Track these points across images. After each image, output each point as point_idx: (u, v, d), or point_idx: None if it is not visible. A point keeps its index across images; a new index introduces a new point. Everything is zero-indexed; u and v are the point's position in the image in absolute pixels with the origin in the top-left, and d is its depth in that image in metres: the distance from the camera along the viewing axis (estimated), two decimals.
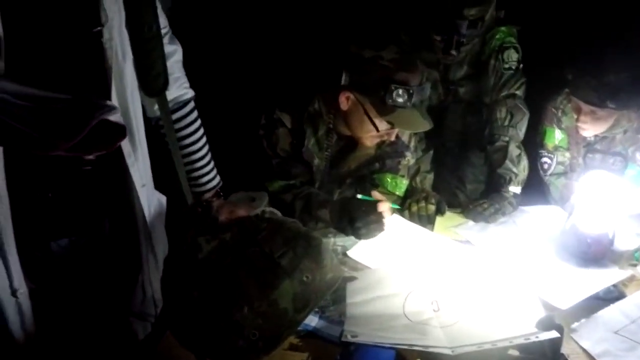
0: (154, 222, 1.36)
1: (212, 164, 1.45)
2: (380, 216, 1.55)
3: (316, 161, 1.72)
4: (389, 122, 1.60)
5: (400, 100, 1.54)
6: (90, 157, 1.18)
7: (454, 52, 1.94)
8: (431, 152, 1.97)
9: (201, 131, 1.41)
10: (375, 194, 1.64)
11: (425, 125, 1.63)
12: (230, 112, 2.30)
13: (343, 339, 1.16)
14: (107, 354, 1.34)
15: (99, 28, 1.12)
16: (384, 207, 1.58)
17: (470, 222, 1.81)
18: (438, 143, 2.12)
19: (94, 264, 1.31)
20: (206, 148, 1.43)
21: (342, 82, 1.61)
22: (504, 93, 2.00)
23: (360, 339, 1.14)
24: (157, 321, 1.43)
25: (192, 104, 1.40)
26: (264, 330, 1.05)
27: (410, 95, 1.54)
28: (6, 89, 0.94)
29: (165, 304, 1.26)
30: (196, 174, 1.42)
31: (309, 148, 1.70)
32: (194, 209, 1.32)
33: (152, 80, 1.26)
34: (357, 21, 2.22)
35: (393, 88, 1.53)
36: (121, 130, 1.09)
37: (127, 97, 1.22)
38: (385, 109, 1.56)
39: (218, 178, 1.47)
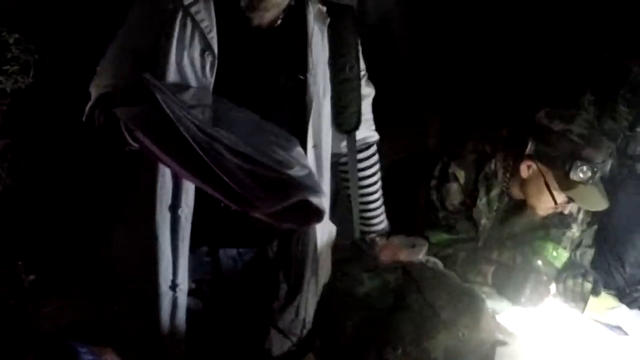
0: (322, 249, 1.41)
1: (383, 208, 1.52)
2: (547, 291, 1.53)
3: (484, 221, 1.74)
4: (568, 197, 1.58)
5: (583, 177, 1.53)
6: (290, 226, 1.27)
7: None
8: (595, 226, 1.91)
9: (379, 175, 1.49)
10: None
11: (603, 204, 1.60)
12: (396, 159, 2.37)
13: None
14: None
15: (305, 75, 1.25)
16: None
17: (624, 307, 1.73)
18: (604, 218, 2.04)
19: (255, 277, 1.40)
20: (380, 192, 1.50)
21: (527, 150, 1.62)
22: None
23: None
24: (300, 342, 1.47)
25: (375, 147, 1.48)
26: None
27: (594, 173, 1.53)
28: (222, 140, 1.04)
29: (314, 328, 1.34)
30: (368, 214, 1.50)
31: (480, 208, 1.73)
32: (360, 246, 1.40)
33: (347, 118, 1.35)
34: (546, 91, 2.21)
35: (579, 164, 1.52)
36: (319, 215, 1.15)
37: (322, 131, 1.31)
38: (567, 184, 1.56)
39: (386, 222, 1.54)
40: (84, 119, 1.27)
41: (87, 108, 1.27)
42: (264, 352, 1.42)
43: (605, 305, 1.73)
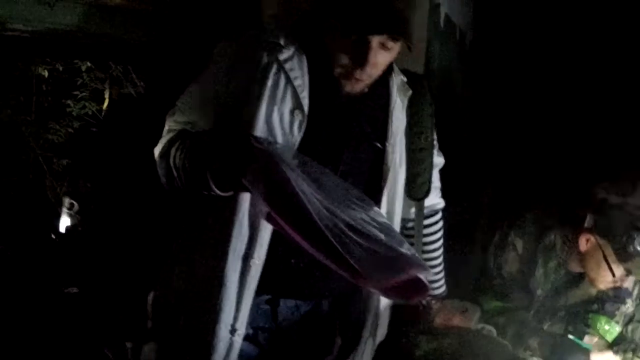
0: (384, 308, 1.41)
1: (443, 273, 1.57)
2: None
3: (539, 291, 1.78)
4: (626, 269, 1.61)
5: None
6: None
7: None
8: None
9: (442, 240, 1.54)
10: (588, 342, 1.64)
11: None
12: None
13: None
14: None
15: (385, 144, 1.30)
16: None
17: None
18: None
19: (311, 329, 1.39)
20: (442, 257, 1.55)
21: (586, 224, 1.66)
22: None
23: None
24: None
25: (441, 214, 1.54)
26: None
27: None
28: (341, 217, 1.08)
29: None
30: (430, 278, 1.56)
31: (537, 278, 1.77)
32: (417, 308, 1.45)
33: (418, 186, 1.39)
34: (603, 164, 2.24)
35: (636, 236, 1.55)
36: (426, 290, 1.16)
37: (395, 199, 1.35)
38: (626, 256, 1.59)
39: (445, 287, 1.58)
40: (158, 152, 1.30)
41: (165, 141, 1.30)
42: None
43: None
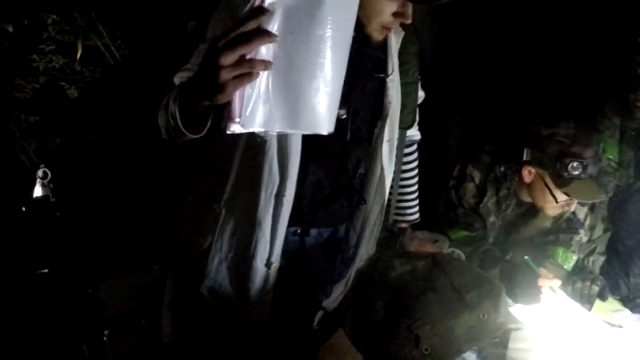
0: (375, 237, 1.55)
1: (417, 200, 1.68)
2: (539, 292, 1.65)
3: (492, 218, 1.88)
4: (565, 194, 1.72)
5: (575, 172, 1.67)
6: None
7: None
8: (609, 234, 2.03)
9: (417, 170, 1.65)
10: (543, 271, 1.75)
11: (599, 196, 1.73)
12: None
13: None
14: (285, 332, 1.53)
15: (387, 75, 1.40)
16: (544, 283, 1.69)
17: (627, 311, 1.84)
18: (618, 227, 2.16)
19: (323, 256, 1.53)
20: (417, 185, 1.66)
21: (524, 157, 1.77)
22: None
23: None
24: (333, 316, 1.55)
25: (416, 145, 1.65)
26: (435, 349, 1.24)
27: (585, 167, 1.66)
28: None
29: (348, 305, 1.48)
30: (404, 204, 1.66)
31: (487, 206, 1.87)
32: (393, 232, 1.55)
33: (405, 116, 1.51)
34: (534, 99, 2.35)
35: (567, 162, 1.66)
36: None
37: (394, 127, 1.47)
38: (563, 181, 1.69)
39: (418, 214, 1.69)
40: (161, 106, 1.29)
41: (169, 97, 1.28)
42: (302, 324, 1.53)
43: (609, 308, 1.85)
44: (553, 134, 1.72)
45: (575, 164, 1.67)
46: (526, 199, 1.89)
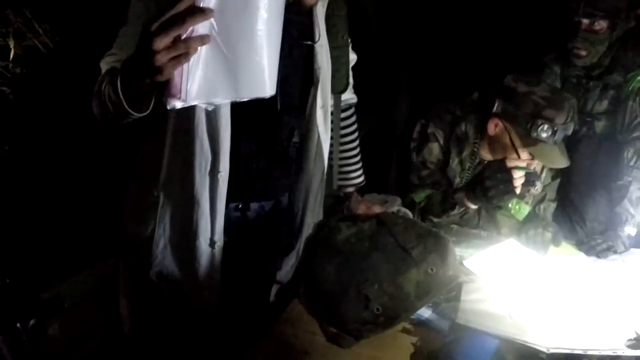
0: (320, 204, 1.55)
1: (360, 163, 1.67)
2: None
3: (457, 180, 1.88)
4: (530, 154, 1.72)
5: (544, 135, 1.67)
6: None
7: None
8: (558, 180, 2.05)
9: (357, 133, 1.63)
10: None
11: (564, 163, 1.74)
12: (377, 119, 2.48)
13: (457, 321, 1.30)
14: (246, 309, 1.54)
15: (315, 42, 1.38)
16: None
17: (582, 255, 1.87)
18: (565, 175, 2.19)
19: (269, 229, 1.52)
20: (358, 148, 1.64)
21: (494, 109, 1.76)
22: (635, 134, 2.04)
23: (471, 325, 1.28)
24: (288, 287, 1.55)
25: (354, 109, 1.63)
26: (386, 308, 1.23)
27: (554, 132, 1.67)
28: None
29: (299, 274, 1.47)
30: (347, 168, 1.65)
31: (453, 168, 1.87)
32: (338, 197, 1.53)
33: (337, 81, 1.49)
34: (514, 51, 2.34)
35: (539, 123, 1.66)
36: None
37: (327, 94, 1.45)
38: (529, 141, 1.70)
39: (363, 177, 1.69)
40: (94, 92, 1.26)
41: (98, 80, 1.26)
42: (262, 299, 1.53)
43: (565, 253, 1.87)
44: (530, 92, 1.72)
45: (546, 126, 1.68)
46: (485, 156, 1.89)
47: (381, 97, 2.45)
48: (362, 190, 1.73)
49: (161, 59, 0.89)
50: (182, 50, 0.89)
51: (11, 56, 2.88)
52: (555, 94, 1.74)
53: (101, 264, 2.58)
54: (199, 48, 0.90)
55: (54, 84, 2.92)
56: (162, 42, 0.88)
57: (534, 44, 2.26)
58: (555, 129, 1.68)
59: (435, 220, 1.82)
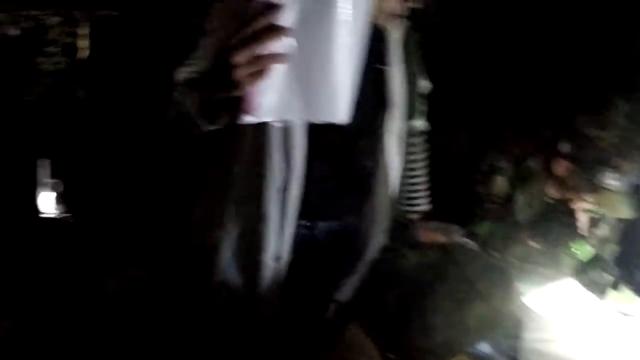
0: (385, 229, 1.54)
1: (427, 191, 1.67)
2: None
3: (521, 217, 1.86)
4: (594, 200, 1.70)
5: (609, 183, 1.64)
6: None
7: None
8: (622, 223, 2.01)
9: (426, 160, 1.64)
10: None
11: (628, 213, 1.71)
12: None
13: None
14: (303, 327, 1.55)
15: (389, 67, 1.40)
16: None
17: None
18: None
19: (334, 249, 1.52)
20: (426, 176, 1.65)
21: (562, 150, 1.74)
22: None
23: None
24: (346, 309, 1.53)
25: (424, 136, 1.66)
26: (448, 340, 1.23)
27: (620, 181, 1.64)
28: None
29: (360, 297, 1.47)
30: (414, 195, 1.65)
31: (518, 204, 1.85)
32: (402, 222, 1.54)
33: (410, 107, 1.51)
34: (582, 93, 2.30)
35: (606, 171, 1.63)
36: None
37: (398, 119, 1.47)
38: (595, 187, 1.67)
39: (428, 204, 1.69)
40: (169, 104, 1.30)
41: (175, 92, 1.28)
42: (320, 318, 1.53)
43: (623, 298, 1.83)
44: (598, 137, 1.69)
45: (612, 174, 1.65)
46: (552, 194, 1.87)
47: (442, 125, 2.45)
48: (423, 217, 1.73)
49: (240, 73, 0.89)
50: (261, 67, 0.89)
51: (79, 55, 2.99)
52: (625, 142, 1.70)
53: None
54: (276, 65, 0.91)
55: (123, 89, 3.01)
56: (242, 57, 0.88)
57: (603, 81, 2.23)
58: (623, 177, 1.64)
59: (496, 255, 1.80)
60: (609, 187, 1.65)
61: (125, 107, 2.97)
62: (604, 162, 1.65)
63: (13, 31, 2.79)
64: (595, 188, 1.67)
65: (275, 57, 0.89)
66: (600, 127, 1.70)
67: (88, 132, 3.05)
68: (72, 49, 3.01)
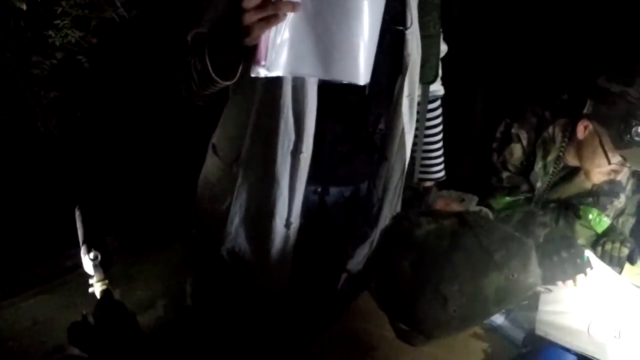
0: (399, 196, 1.53)
1: (443, 158, 1.62)
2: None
3: (539, 184, 1.82)
4: (622, 156, 1.64)
5: (638, 138, 1.59)
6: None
7: None
8: (639, 195, 1.96)
9: (441, 126, 1.59)
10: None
11: None
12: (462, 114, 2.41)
13: (537, 332, 1.26)
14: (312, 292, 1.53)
15: (406, 28, 1.34)
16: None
17: None
18: None
19: (345, 215, 1.50)
20: (442, 142, 1.60)
21: (585, 110, 1.68)
22: None
23: (550, 338, 1.24)
24: (358, 277, 1.54)
25: (440, 101, 1.59)
26: (463, 310, 1.20)
27: None
28: None
29: (372, 266, 1.44)
30: (429, 162, 1.61)
31: (536, 171, 1.80)
32: (418, 190, 1.50)
33: (427, 71, 1.45)
34: (607, 52, 2.24)
35: (634, 124, 1.58)
36: None
37: (414, 82, 1.41)
38: (622, 144, 1.61)
39: (444, 172, 1.64)
40: (177, 64, 1.26)
41: (187, 53, 1.23)
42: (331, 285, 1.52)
43: (639, 271, 1.79)
44: (624, 92, 1.63)
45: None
46: (572, 162, 1.82)
47: (458, 91, 2.40)
48: (438, 185, 1.68)
49: (250, 18, 0.89)
50: (271, 12, 0.89)
51: (91, 27, 2.94)
52: None
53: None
54: (288, 16, 0.91)
55: (129, 56, 2.97)
56: (252, 1, 0.89)
57: (626, 45, 2.16)
58: None
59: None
60: (637, 142, 1.59)
61: (128, 71, 2.94)
62: (631, 116, 1.59)
63: (22, 5, 2.73)
64: (623, 144, 1.61)
65: (286, 4, 0.89)
66: (624, 84, 1.64)
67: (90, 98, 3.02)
68: (83, 21, 2.96)
